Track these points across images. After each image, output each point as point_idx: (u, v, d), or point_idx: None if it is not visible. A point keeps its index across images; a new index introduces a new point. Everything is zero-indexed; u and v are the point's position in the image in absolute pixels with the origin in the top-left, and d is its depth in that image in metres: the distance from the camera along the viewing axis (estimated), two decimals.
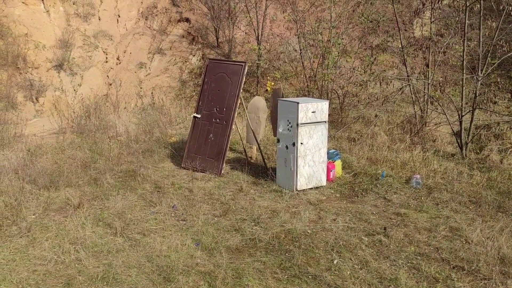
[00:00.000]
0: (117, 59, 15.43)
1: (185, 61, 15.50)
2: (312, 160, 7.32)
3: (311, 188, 7.45)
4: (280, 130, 7.43)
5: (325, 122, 7.38)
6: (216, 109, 8.43)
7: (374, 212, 6.60)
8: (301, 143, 7.16)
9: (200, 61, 15.46)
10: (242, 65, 8.34)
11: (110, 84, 14.74)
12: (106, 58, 15.27)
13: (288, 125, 7.24)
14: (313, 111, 7.18)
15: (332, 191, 7.44)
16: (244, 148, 9.06)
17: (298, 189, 7.30)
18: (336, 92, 12.09)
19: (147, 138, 10.20)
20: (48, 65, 14.02)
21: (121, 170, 8.29)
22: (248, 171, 8.22)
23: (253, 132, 8.63)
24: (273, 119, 8.49)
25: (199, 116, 8.61)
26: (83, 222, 6.10)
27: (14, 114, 12.19)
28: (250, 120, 8.72)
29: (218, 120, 8.39)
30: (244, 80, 8.30)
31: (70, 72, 14.35)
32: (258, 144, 8.70)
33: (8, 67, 13.20)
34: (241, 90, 8.28)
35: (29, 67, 13.62)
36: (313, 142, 7.28)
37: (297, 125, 7.08)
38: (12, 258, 5.29)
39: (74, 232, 5.84)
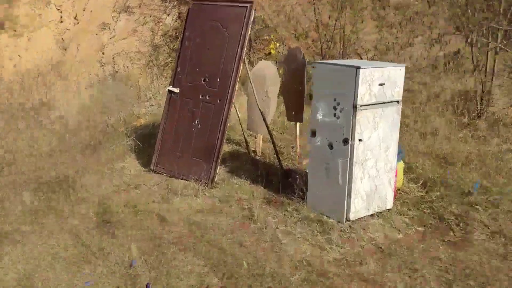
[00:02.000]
0: (75, 18, 13.14)
1: (158, 22, 13.25)
2: (375, 167, 4.25)
3: (372, 215, 4.38)
4: (319, 116, 4.31)
5: (398, 102, 4.30)
6: (205, 80, 5.30)
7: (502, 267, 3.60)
8: (360, 140, 4.07)
9: (176, 21, 13.23)
10: (246, 7, 5.18)
11: (65, 49, 12.44)
12: (61, 17, 12.91)
13: (335, 108, 4.13)
14: (382, 83, 4.07)
15: (407, 221, 4.38)
16: (245, 138, 5.99)
17: (352, 219, 4.23)
18: (361, 57, 9.12)
19: (101, 122, 7.04)
20: None
21: (49, 180, 5.10)
22: (255, 176, 5.18)
23: (261, 113, 5.53)
24: (287, 94, 5.45)
25: (177, 90, 5.47)
26: None
27: None
28: (256, 95, 5.60)
29: (207, 97, 5.26)
30: (249, 31, 5.16)
31: (14, 34, 11.86)
32: (270, 132, 5.62)
33: None
34: (245, 49, 5.16)
35: None
36: (379, 136, 4.21)
37: (355, 107, 3.97)
38: None
39: None
